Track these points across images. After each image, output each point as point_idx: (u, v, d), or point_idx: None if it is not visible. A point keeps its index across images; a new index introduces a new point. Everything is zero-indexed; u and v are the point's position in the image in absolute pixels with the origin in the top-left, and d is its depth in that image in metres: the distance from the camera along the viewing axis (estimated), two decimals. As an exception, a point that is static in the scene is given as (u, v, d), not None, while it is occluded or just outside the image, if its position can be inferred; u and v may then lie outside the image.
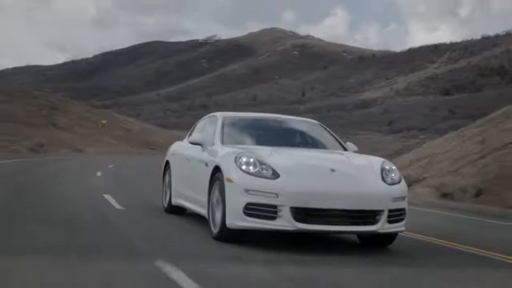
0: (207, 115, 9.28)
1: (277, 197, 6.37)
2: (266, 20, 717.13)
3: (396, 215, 6.81)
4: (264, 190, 6.43)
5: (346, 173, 6.90)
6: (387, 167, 7.12)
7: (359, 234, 7.27)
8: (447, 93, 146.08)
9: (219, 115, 8.57)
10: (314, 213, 6.44)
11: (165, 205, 9.57)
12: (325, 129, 8.77)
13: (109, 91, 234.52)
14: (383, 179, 6.90)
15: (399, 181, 7.02)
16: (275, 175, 6.56)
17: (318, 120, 9.38)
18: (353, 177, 6.85)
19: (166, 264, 5.38)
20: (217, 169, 7.04)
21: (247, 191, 6.46)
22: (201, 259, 5.96)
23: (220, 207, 6.79)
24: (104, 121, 47.41)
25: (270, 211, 6.40)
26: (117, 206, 10.11)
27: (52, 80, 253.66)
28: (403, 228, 7.05)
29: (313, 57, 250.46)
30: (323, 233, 7.24)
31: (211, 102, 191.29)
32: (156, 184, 12.15)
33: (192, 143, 8.34)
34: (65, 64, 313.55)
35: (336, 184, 6.62)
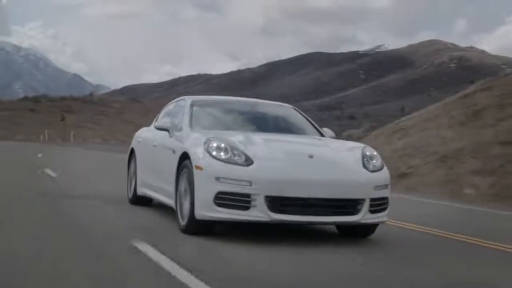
0: (176, 99, 8.68)
1: (251, 185, 5.82)
2: (436, 29, 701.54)
3: (378, 205, 6.31)
4: (237, 178, 5.86)
5: (325, 159, 6.42)
6: (368, 153, 6.59)
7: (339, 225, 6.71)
8: None
9: (187, 98, 8.02)
10: (290, 202, 5.92)
11: (130, 195, 8.94)
12: (300, 113, 8.25)
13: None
14: (365, 166, 6.37)
15: (381, 168, 6.50)
16: (248, 161, 5.99)
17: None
18: (333, 164, 6.36)
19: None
20: (185, 156, 6.47)
21: (217, 179, 5.90)
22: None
23: (189, 197, 6.21)
24: None
25: (243, 201, 5.84)
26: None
27: (218, 88, 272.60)
28: (386, 219, 6.52)
29: (470, 70, 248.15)
30: (301, 224, 6.66)
31: (360, 113, 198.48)
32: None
33: (158, 128, 7.72)
34: (231, 73, 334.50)
35: (315, 171, 6.09)
